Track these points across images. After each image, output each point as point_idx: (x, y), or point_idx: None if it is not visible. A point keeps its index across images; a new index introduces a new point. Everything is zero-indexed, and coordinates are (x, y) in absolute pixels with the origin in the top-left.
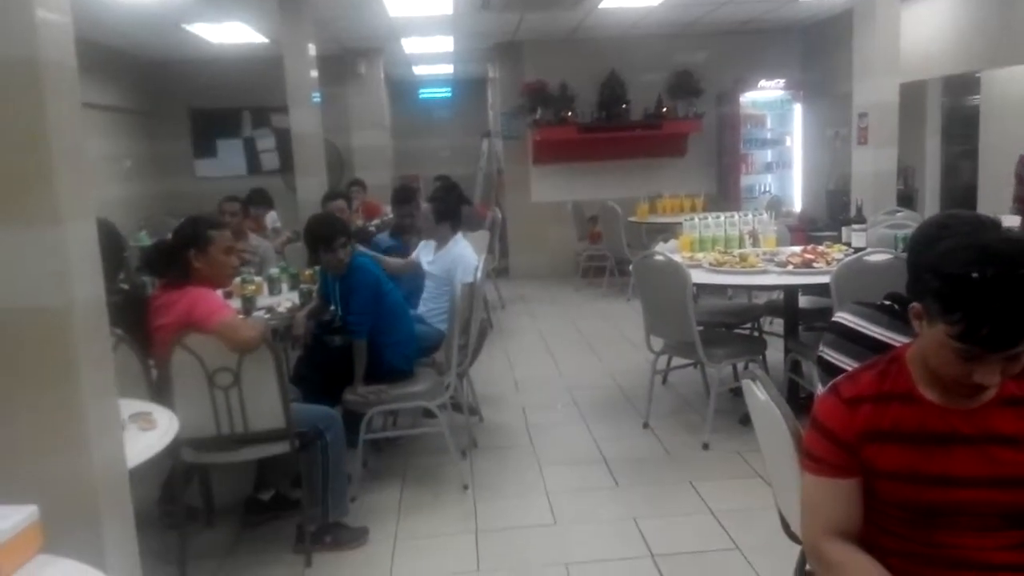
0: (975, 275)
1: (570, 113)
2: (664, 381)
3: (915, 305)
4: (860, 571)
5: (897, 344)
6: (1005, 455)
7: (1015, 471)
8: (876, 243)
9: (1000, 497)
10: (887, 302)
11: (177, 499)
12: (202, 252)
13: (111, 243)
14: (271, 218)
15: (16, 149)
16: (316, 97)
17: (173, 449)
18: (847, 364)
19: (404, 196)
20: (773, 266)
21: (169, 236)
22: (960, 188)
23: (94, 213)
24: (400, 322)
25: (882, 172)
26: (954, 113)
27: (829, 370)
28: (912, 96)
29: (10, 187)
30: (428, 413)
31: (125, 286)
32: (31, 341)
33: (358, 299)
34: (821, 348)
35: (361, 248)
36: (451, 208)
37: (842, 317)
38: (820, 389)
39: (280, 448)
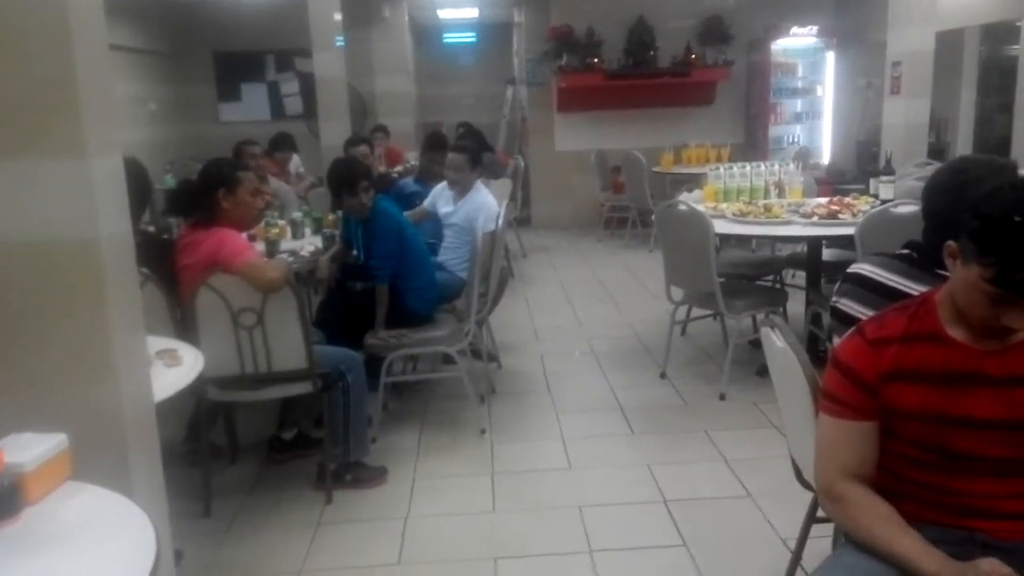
0: (1017, 218)
1: (596, 60)
2: (683, 332)
3: (950, 244)
4: (873, 511)
5: (916, 292)
6: None
7: None
8: (904, 195)
9: (1019, 439)
10: (905, 251)
11: (202, 437)
12: (231, 192)
13: (139, 182)
14: (295, 163)
15: (44, 83)
16: (340, 41)
17: (198, 387)
18: (863, 313)
19: (439, 142)
20: (798, 217)
21: (195, 177)
22: (994, 141)
23: (121, 150)
24: (422, 267)
25: (914, 124)
26: (991, 63)
27: (845, 320)
28: (948, 45)
29: (38, 121)
30: (448, 359)
31: (151, 228)
32: (60, 273)
33: (380, 244)
34: (835, 299)
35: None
36: (477, 156)
37: (859, 267)
38: (836, 340)
39: (302, 388)
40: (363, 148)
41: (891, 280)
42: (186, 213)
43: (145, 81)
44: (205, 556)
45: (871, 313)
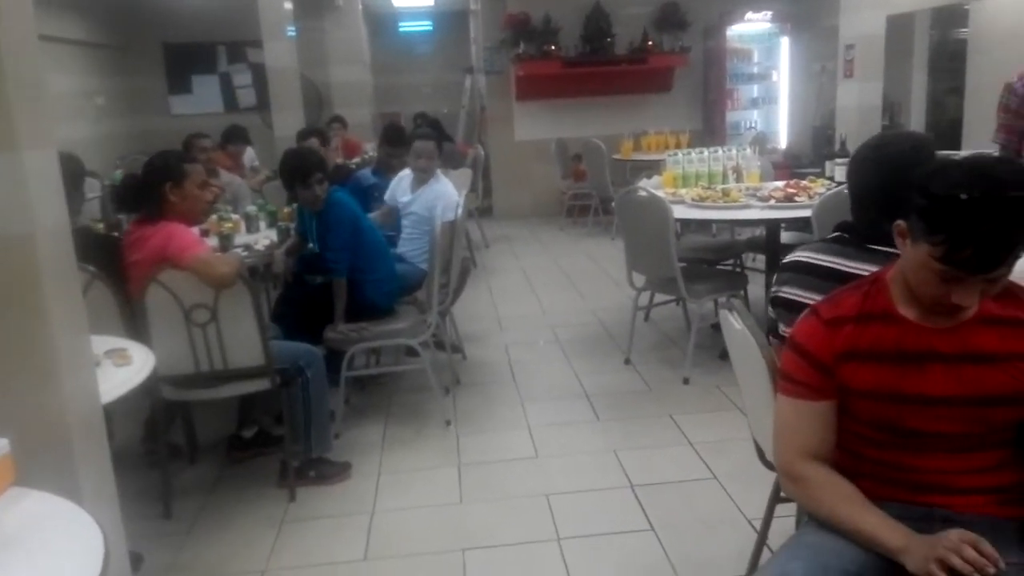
0: (963, 196)
1: (553, 47)
2: (646, 318)
3: (899, 223)
4: (834, 490)
5: (853, 270)
6: (980, 373)
7: (989, 390)
8: None
9: (972, 415)
10: (836, 233)
11: (159, 437)
12: (177, 186)
13: (70, 176)
14: (249, 156)
15: None
16: (291, 31)
17: (152, 386)
18: (808, 298)
19: (398, 137)
20: (756, 201)
21: (140, 172)
22: (946, 123)
23: (55, 143)
24: (380, 259)
25: (867, 106)
26: (941, 47)
27: (790, 307)
28: (899, 29)
29: None
30: (411, 351)
31: (100, 225)
32: None
33: (335, 236)
34: (776, 289)
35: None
36: (439, 144)
37: (796, 256)
38: (781, 329)
39: (261, 385)
40: (313, 140)
41: (828, 261)
42: (133, 208)
43: (92, 74)
44: (166, 559)
45: (816, 296)
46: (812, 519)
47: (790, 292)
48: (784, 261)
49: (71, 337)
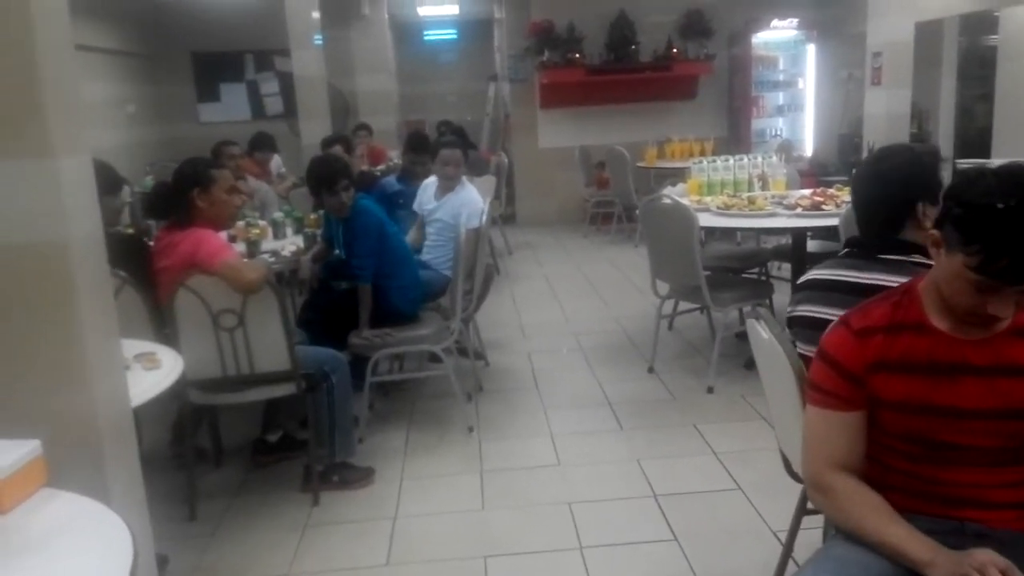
0: (1000, 205)
1: (578, 55)
2: (670, 326)
3: (933, 233)
4: (862, 501)
5: (872, 283)
6: (1014, 386)
7: (1023, 403)
8: None
9: (1006, 429)
10: (846, 249)
11: (186, 440)
12: (205, 191)
13: (105, 184)
14: (276, 163)
15: (7, 83)
16: (318, 39)
17: (180, 390)
18: (829, 313)
19: (421, 144)
20: (782, 209)
21: (169, 178)
22: (974, 131)
23: (89, 150)
24: (404, 265)
25: (895, 114)
26: (971, 54)
27: (812, 325)
28: (928, 36)
29: (2, 121)
30: (434, 357)
31: (130, 230)
32: (29, 276)
33: (361, 242)
34: (792, 309)
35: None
36: (464, 153)
37: (810, 275)
38: (801, 348)
39: (286, 390)
40: (338, 148)
41: (844, 276)
42: (163, 215)
43: (123, 82)
44: (191, 560)
45: (837, 312)
46: (839, 532)
47: (810, 310)
48: (799, 282)
49: (102, 342)
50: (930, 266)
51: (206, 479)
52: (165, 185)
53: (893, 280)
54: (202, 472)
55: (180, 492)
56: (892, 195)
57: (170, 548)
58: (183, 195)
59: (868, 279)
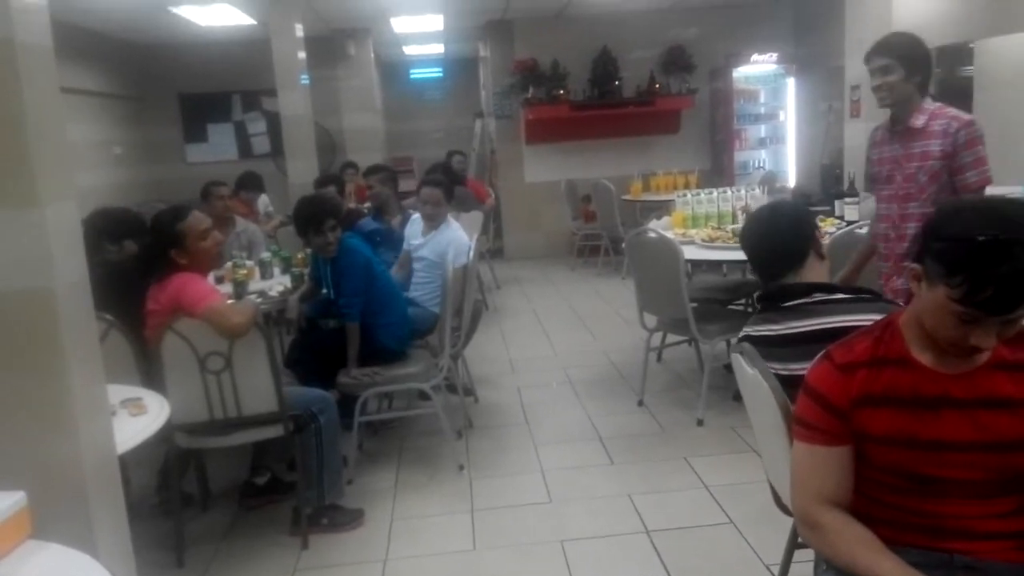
0: (981, 238)
1: (562, 91)
2: (659, 359)
3: (914, 267)
4: (852, 536)
5: (789, 332)
6: (996, 419)
7: (1006, 435)
8: (869, 216)
9: (990, 462)
10: (759, 304)
11: (172, 485)
12: (181, 248)
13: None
14: (263, 202)
15: None
16: (305, 79)
17: (166, 434)
18: (772, 368)
19: (371, 168)
20: None
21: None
22: None
23: (75, 196)
24: (392, 303)
25: None
26: (947, 85)
27: (787, 383)
28: None
29: None
30: (423, 395)
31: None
32: (14, 323)
33: (348, 281)
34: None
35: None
36: (450, 189)
37: (745, 331)
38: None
39: (274, 431)
40: (331, 188)
41: (764, 331)
42: (151, 276)
43: (110, 124)
44: None
45: (773, 364)
46: (830, 566)
47: (778, 368)
48: (738, 339)
49: (88, 388)
50: (836, 301)
51: (193, 524)
52: (147, 249)
53: (804, 324)
54: (189, 517)
55: (168, 539)
56: (790, 236)
57: None
58: (164, 256)
59: (784, 329)
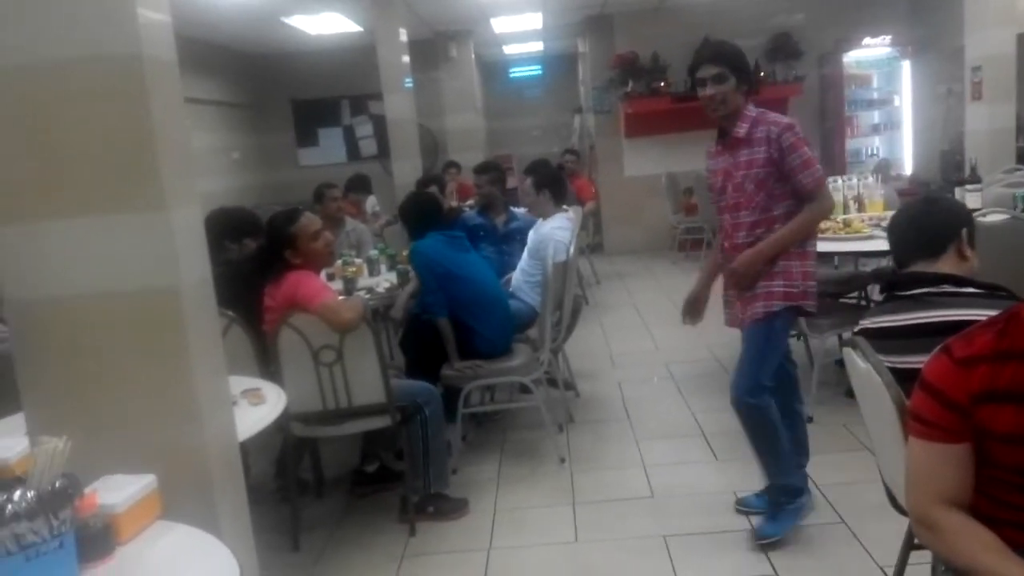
0: None
1: (662, 84)
2: None
3: None
4: (974, 539)
5: (921, 320)
6: None
7: None
8: (992, 203)
9: None
10: (883, 293)
11: (289, 472)
12: (294, 248)
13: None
14: (371, 203)
15: (125, 142)
16: (409, 82)
17: (283, 424)
18: (890, 362)
19: (481, 167)
20: (879, 231)
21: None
22: None
23: (198, 200)
24: (485, 311)
25: (999, 129)
26: None
27: (902, 377)
28: None
29: (121, 178)
30: (524, 388)
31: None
32: (145, 320)
33: (423, 282)
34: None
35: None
36: (547, 179)
37: (864, 324)
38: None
39: (382, 422)
40: (434, 188)
41: (888, 321)
42: (268, 277)
43: (228, 131)
44: None
45: (893, 358)
46: (949, 569)
47: (892, 361)
48: (854, 332)
49: (212, 380)
50: (965, 294)
51: (308, 510)
52: (263, 251)
53: (926, 316)
54: (305, 503)
55: (284, 523)
56: (930, 228)
57: None
58: (278, 256)
59: (904, 320)
